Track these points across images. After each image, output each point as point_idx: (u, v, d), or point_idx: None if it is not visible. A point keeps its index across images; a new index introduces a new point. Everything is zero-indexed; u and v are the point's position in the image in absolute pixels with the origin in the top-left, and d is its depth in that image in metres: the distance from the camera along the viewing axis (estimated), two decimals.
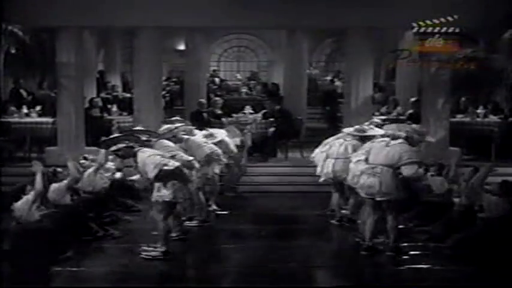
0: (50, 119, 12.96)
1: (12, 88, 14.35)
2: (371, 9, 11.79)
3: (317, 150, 9.34)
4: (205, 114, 13.41)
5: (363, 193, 7.61)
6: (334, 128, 13.94)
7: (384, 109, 14.31)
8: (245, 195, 11.34)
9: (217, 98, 14.66)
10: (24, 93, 14.35)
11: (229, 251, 8.05)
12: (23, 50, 12.80)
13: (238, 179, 11.52)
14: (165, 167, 7.17)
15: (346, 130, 9.22)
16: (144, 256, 7.44)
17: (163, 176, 7.22)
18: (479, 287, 6.87)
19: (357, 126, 9.02)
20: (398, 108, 13.96)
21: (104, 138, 8.81)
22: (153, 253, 7.45)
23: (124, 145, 7.56)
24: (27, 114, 13.12)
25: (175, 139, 8.63)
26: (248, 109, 13.55)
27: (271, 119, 12.97)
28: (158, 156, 7.28)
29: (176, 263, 7.48)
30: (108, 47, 17.50)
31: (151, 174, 7.19)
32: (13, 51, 12.56)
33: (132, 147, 7.50)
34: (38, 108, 13.42)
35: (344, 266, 7.53)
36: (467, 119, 13.00)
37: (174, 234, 8.04)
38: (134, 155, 7.42)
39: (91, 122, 13.06)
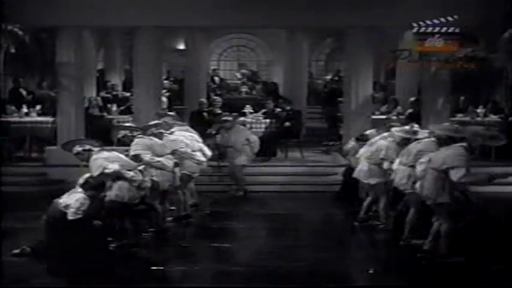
0: (49, 119, 12.96)
1: (12, 88, 14.34)
2: (371, 9, 11.79)
3: None
4: (205, 114, 13.41)
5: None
6: (334, 128, 13.98)
7: (383, 108, 14.32)
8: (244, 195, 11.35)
9: (216, 97, 14.65)
10: (24, 93, 14.33)
11: (227, 251, 8.06)
12: (23, 50, 12.79)
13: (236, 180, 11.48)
14: (106, 170, 7.39)
15: (394, 129, 9.01)
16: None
17: (107, 178, 7.42)
18: (478, 286, 6.89)
19: (406, 128, 8.92)
20: (398, 108, 13.96)
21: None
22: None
23: (82, 148, 7.66)
24: (27, 114, 13.11)
25: (155, 136, 8.67)
26: (248, 108, 13.55)
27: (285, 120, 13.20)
28: (101, 159, 7.48)
29: (175, 262, 7.50)
30: (108, 47, 17.49)
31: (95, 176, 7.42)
32: (13, 50, 12.54)
33: (90, 150, 7.63)
34: (38, 107, 13.41)
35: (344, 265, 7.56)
36: (467, 119, 12.99)
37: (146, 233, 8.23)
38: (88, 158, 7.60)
39: (91, 122, 13.07)
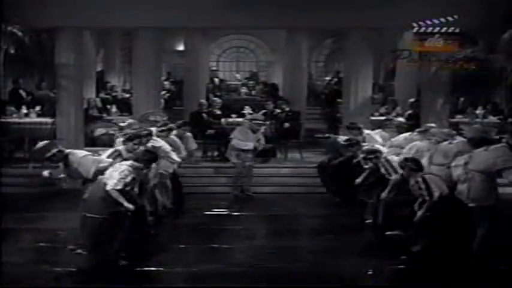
0: (49, 120, 12.95)
1: (12, 88, 14.34)
2: (371, 9, 11.80)
3: None
4: (205, 115, 13.40)
5: None
6: (333, 129, 13.98)
7: (383, 109, 14.32)
8: (243, 196, 11.34)
9: (215, 98, 14.65)
10: (24, 94, 14.33)
11: (228, 251, 8.06)
12: (22, 50, 12.78)
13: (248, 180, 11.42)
14: (100, 165, 7.49)
15: (433, 130, 8.96)
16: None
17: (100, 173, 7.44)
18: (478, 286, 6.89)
19: (445, 130, 8.85)
20: (398, 109, 13.96)
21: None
22: None
23: (56, 150, 7.73)
24: (26, 115, 13.10)
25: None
26: (247, 109, 13.54)
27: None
28: (90, 156, 7.63)
29: (174, 262, 7.49)
30: (108, 48, 17.49)
31: (90, 172, 7.47)
32: (12, 51, 12.54)
33: (62, 151, 7.72)
34: (37, 108, 13.40)
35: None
36: (467, 120, 12.99)
37: None
38: (65, 158, 7.65)
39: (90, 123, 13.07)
